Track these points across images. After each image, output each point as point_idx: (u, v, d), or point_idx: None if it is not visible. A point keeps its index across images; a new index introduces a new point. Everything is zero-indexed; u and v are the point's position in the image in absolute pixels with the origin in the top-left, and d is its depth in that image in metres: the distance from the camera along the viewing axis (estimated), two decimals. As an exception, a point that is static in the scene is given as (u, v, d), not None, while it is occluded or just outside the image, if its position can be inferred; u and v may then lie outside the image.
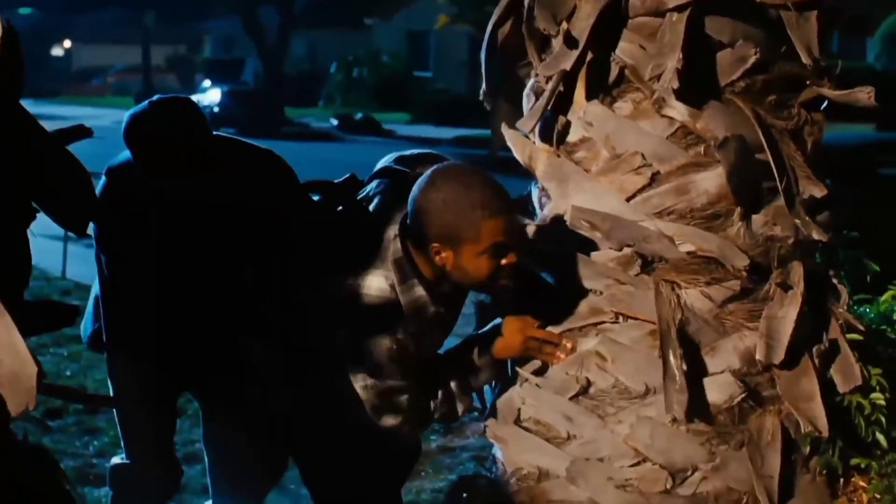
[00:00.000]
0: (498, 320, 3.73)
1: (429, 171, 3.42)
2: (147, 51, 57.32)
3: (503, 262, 3.38)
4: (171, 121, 4.25)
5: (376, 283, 3.50)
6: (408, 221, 3.47)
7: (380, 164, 3.85)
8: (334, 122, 39.50)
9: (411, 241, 3.48)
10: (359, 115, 38.87)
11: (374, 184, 3.76)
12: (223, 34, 59.23)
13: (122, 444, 4.86)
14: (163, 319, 4.49)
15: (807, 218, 3.64)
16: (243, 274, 4.23)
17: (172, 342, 4.54)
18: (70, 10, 61.09)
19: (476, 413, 4.10)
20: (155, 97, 4.35)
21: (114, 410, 4.87)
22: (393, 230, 3.52)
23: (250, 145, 4.53)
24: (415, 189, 3.41)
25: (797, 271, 3.63)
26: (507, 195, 3.39)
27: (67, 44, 68.48)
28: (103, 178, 4.42)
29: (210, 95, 39.19)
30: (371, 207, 3.67)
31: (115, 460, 4.94)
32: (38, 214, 2.69)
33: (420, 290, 3.50)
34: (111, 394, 4.86)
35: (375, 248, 3.53)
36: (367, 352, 3.50)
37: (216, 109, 36.66)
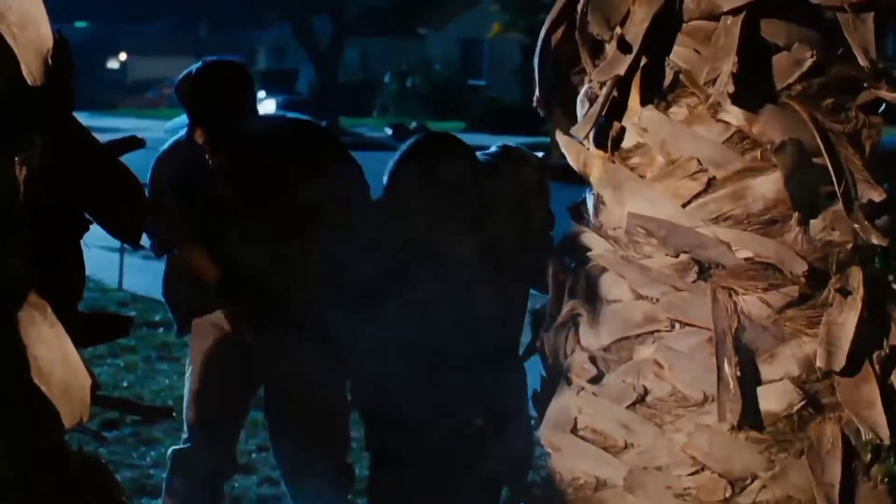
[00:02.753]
0: None
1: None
2: (202, 62, 57.45)
3: None
4: (220, 74, 4.58)
5: None
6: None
7: None
8: (389, 131, 39.55)
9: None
10: (413, 125, 38.89)
11: None
12: (276, 44, 59.43)
13: (185, 427, 4.91)
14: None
15: (865, 222, 3.59)
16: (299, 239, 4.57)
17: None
18: (124, 21, 61.52)
19: (532, 421, 4.09)
20: (208, 58, 4.72)
21: (184, 394, 4.93)
22: None
23: (298, 118, 4.80)
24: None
25: (856, 276, 3.58)
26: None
27: (123, 56, 68.88)
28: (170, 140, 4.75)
29: (265, 106, 39.34)
30: None
31: (175, 447, 5.01)
32: (92, 226, 2.69)
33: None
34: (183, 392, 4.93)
35: None
36: None
37: (271, 120, 36.75)
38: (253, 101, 4.70)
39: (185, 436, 4.93)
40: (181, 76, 4.59)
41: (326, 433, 4.78)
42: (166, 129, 5.62)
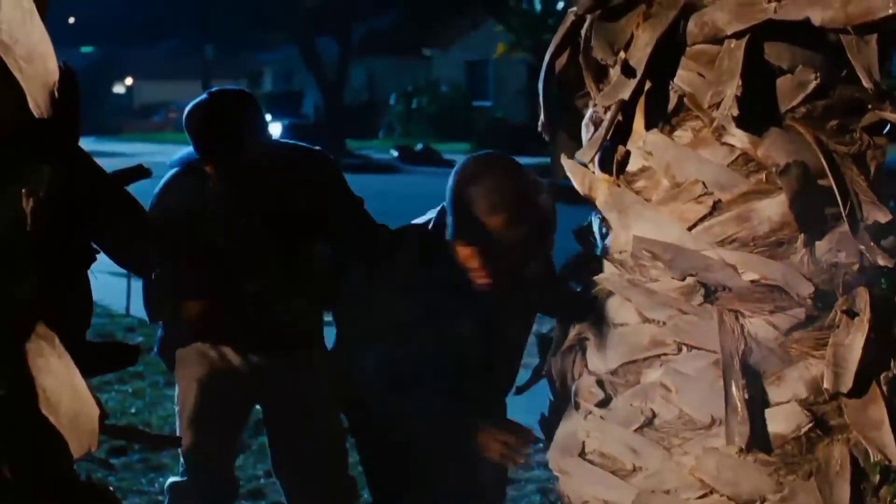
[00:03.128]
0: None
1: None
2: (207, 85, 57.72)
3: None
4: (227, 105, 4.58)
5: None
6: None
7: None
8: (395, 153, 39.62)
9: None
10: (419, 146, 38.99)
11: None
12: (282, 66, 59.58)
13: (182, 460, 4.93)
14: (223, 316, 4.66)
15: (871, 243, 3.59)
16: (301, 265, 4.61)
17: (233, 338, 4.70)
18: (130, 46, 61.69)
19: (541, 444, 4.09)
20: (213, 88, 4.73)
21: (176, 424, 4.95)
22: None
23: (300, 145, 4.82)
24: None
25: (863, 297, 3.58)
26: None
27: (129, 81, 69.12)
28: (170, 170, 4.76)
29: (271, 130, 39.31)
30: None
31: (173, 479, 5.01)
32: (99, 254, 2.70)
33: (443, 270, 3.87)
34: (176, 420, 4.93)
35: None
36: None
37: (277, 143, 36.78)
38: (260, 130, 4.70)
39: (181, 468, 4.94)
40: (189, 107, 4.59)
41: (326, 449, 4.80)
42: (171, 164, 5.57)
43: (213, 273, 4.62)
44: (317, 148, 4.87)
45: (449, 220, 3.86)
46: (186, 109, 4.58)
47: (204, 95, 4.62)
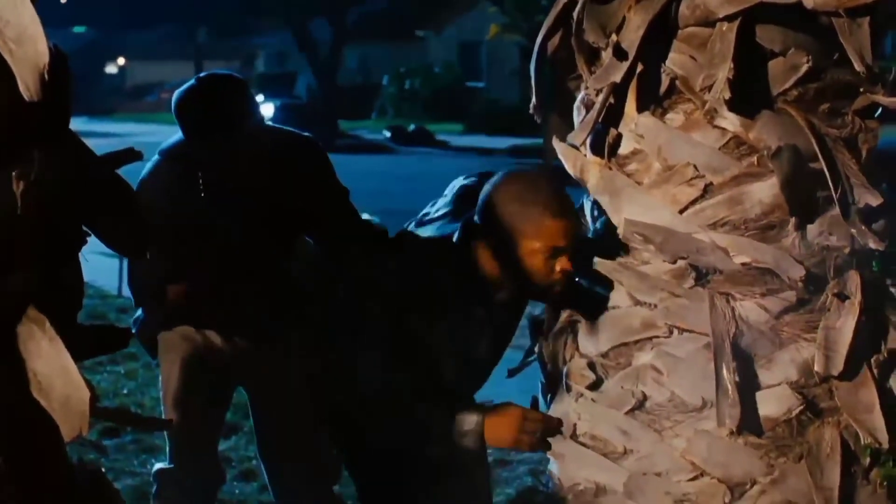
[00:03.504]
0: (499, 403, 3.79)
1: (504, 172, 3.77)
2: (200, 67, 57.69)
3: (557, 267, 3.62)
4: (216, 90, 4.59)
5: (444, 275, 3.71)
6: (475, 217, 3.71)
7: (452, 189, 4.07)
8: (387, 133, 39.60)
9: (478, 243, 3.71)
10: (412, 127, 38.97)
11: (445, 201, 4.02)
12: (275, 49, 59.50)
13: (168, 447, 4.94)
14: (205, 298, 4.66)
15: (863, 227, 3.60)
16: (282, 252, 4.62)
17: (217, 323, 4.69)
18: (123, 27, 61.59)
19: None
20: (202, 74, 4.68)
21: (163, 410, 4.95)
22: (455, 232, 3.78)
23: (289, 132, 4.79)
24: (487, 185, 3.71)
25: (854, 281, 3.58)
26: (573, 206, 3.70)
27: (121, 61, 68.99)
28: (156, 156, 4.68)
29: (263, 110, 39.26)
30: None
31: (159, 465, 5.02)
32: (90, 237, 2.70)
33: (472, 291, 3.73)
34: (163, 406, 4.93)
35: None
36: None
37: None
38: (250, 115, 4.70)
39: (168, 453, 4.95)
40: (177, 92, 4.60)
41: (308, 430, 4.81)
42: (160, 150, 5.57)
43: (198, 258, 4.62)
44: (305, 135, 4.86)
45: (496, 235, 3.66)
46: (175, 94, 4.59)
47: (192, 80, 4.63)
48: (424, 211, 4.05)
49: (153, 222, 4.22)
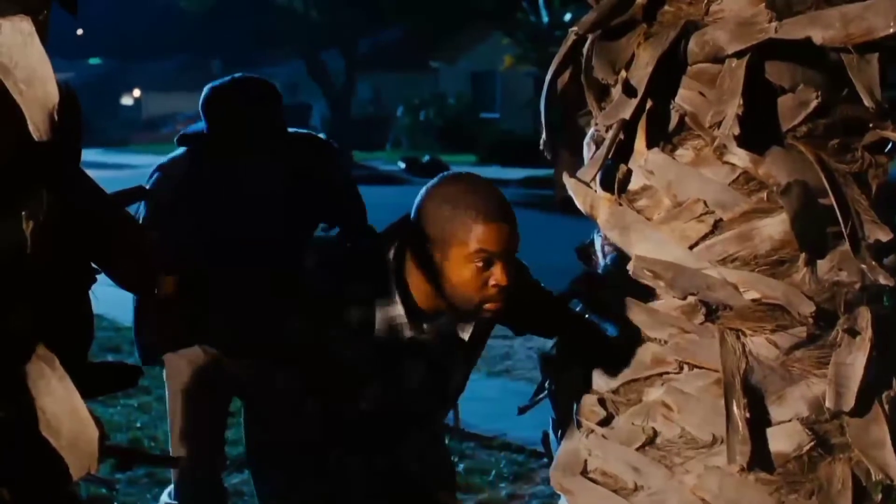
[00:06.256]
0: None
1: (442, 174, 3.37)
2: (215, 98, 57.80)
3: (491, 281, 3.19)
4: (249, 93, 4.58)
5: (362, 293, 3.34)
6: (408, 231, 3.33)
7: None
8: (402, 164, 39.62)
9: (409, 252, 3.32)
10: (426, 158, 38.97)
11: None
12: (289, 79, 59.65)
13: (173, 483, 4.93)
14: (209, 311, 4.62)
15: (873, 262, 3.59)
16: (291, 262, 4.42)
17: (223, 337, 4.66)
18: (137, 58, 61.81)
19: (545, 459, 4.08)
20: (237, 74, 4.73)
21: (170, 434, 4.94)
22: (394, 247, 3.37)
23: (312, 137, 4.80)
24: (420, 192, 3.34)
25: (864, 316, 3.58)
26: (509, 209, 3.24)
27: (137, 93, 69.17)
28: (156, 172, 4.67)
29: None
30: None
31: (164, 499, 5.02)
32: (100, 274, 2.71)
33: (398, 309, 3.32)
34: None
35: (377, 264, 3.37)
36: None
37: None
38: (278, 122, 4.72)
39: (173, 486, 4.94)
40: (209, 89, 4.64)
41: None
42: (180, 137, 5.66)
43: (207, 253, 4.61)
44: (328, 140, 4.89)
45: (422, 244, 3.28)
46: (207, 90, 4.63)
47: (227, 79, 4.65)
48: None
49: (165, 210, 4.25)
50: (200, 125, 4.72)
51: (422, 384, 3.49)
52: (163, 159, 4.74)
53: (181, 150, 4.81)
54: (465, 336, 3.44)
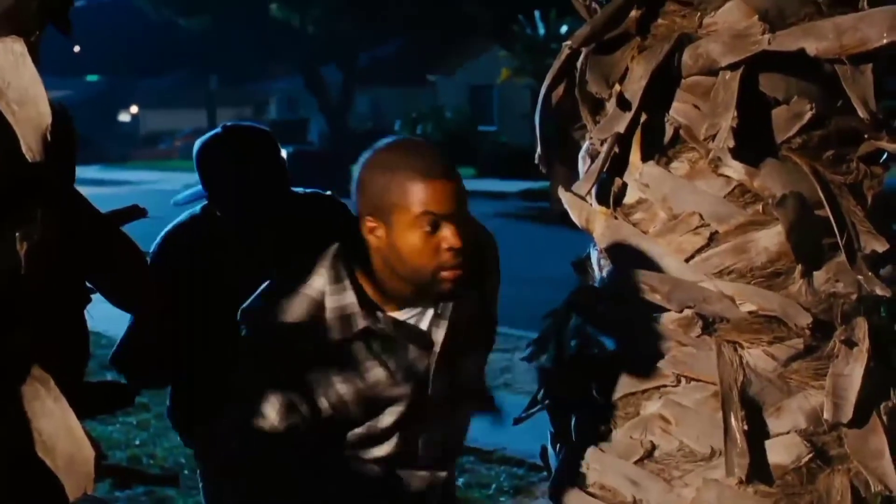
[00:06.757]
0: None
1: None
2: (213, 114, 57.94)
3: (443, 244, 2.85)
4: (242, 146, 4.21)
5: (315, 283, 2.98)
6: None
7: None
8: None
9: (355, 234, 2.98)
10: (424, 171, 38.97)
11: None
12: (287, 94, 59.68)
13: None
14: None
15: (869, 273, 3.59)
16: None
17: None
18: (135, 75, 61.89)
19: (545, 473, 4.08)
20: (228, 122, 4.35)
21: (182, 461, 4.89)
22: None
23: (316, 196, 4.43)
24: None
25: (861, 327, 3.58)
26: (450, 165, 2.90)
27: (134, 109, 69.26)
28: (160, 243, 4.31)
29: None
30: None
31: None
32: (96, 293, 2.71)
33: (350, 297, 2.96)
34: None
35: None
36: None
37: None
38: (280, 178, 4.30)
39: None
40: (202, 144, 4.24)
41: None
42: (175, 202, 5.32)
43: (209, 328, 4.31)
44: (332, 196, 4.54)
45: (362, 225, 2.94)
46: (199, 145, 4.24)
47: (218, 130, 4.26)
48: None
49: (169, 289, 3.94)
50: (198, 190, 4.44)
51: (388, 394, 3.05)
52: (162, 234, 4.37)
53: (178, 222, 4.44)
54: (438, 336, 3.05)
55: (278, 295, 2.99)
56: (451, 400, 3.16)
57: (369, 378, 3.00)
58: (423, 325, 3.06)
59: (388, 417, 3.07)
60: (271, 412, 2.97)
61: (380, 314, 2.99)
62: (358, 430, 3.08)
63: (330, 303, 2.95)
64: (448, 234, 2.84)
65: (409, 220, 2.83)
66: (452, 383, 3.14)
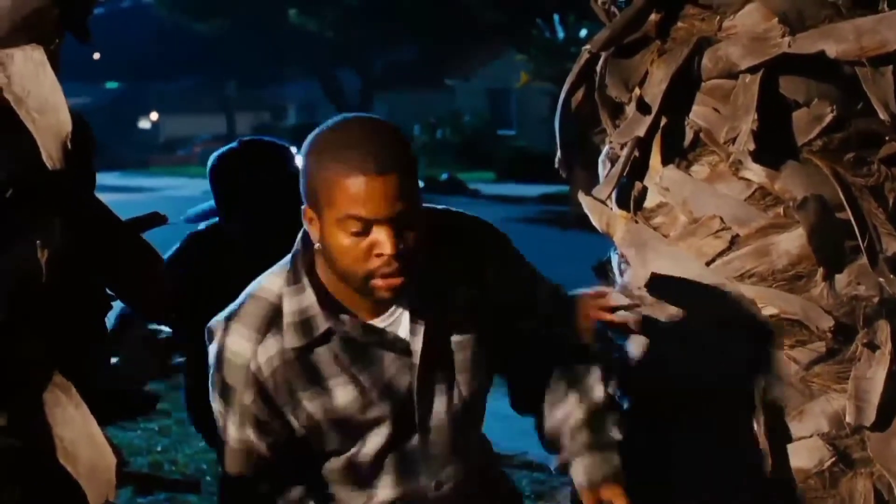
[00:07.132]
0: None
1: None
2: (231, 119, 58.07)
3: (375, 250, 2.41)
4: (257, 160, 4.18)
5: (272, 284, 2.59)
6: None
7: None
8: (420, 184, 39.62)
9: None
10: (444, 176, 38.99)
11: None
12: (304, 99, 59.74)
13: None
14: None
15: (891, 276, 3.57)
16: None
17: None
18: (154, 81, 62.00)
19: (567, 478, 4.06)
20: (245, 137, 4.31)
21: (202, 462, 4.89)
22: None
23: None
24: None
25: (884, 330, 3.56)
26: (394, 155, 2.44)
27: (154, 115, 69.37)
28: (185, 241, 4.28)
29: (296, 162, 39.39)
30: None
31: None
32: (115, 300, 2.71)
33: (310, 297, 2.54)
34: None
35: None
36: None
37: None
38: (295, 194, 4.27)
39: None
40: (217, 159, 4.17)
41: None
42: (187, 217, 5.17)
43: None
44: None
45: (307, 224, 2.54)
46: (213, 160, 4.17)
47: (234, 145, 4.21)
48: None
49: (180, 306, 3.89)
50: (210, 205, 4.29)
51: (364, 416, 2.62)
52: (172, 250, 4.25)
53: (188, 239, 4.33)
54: (417, 343, 2.59)
55: (238, 304, 2.59)
56: (455, 421, 2.71)
57: (337, 395, 2.58)
58: (402, 333, 2.60)
59: (370, 445, 2.65)
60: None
61: (345, 317, 2.55)
62: (341, 459, 2.67)
63: (288, 305, 2.54)
64: (381, 239, 2.39)
65: (335, 219, 2.41)
66: (452, 403, 2.69)
